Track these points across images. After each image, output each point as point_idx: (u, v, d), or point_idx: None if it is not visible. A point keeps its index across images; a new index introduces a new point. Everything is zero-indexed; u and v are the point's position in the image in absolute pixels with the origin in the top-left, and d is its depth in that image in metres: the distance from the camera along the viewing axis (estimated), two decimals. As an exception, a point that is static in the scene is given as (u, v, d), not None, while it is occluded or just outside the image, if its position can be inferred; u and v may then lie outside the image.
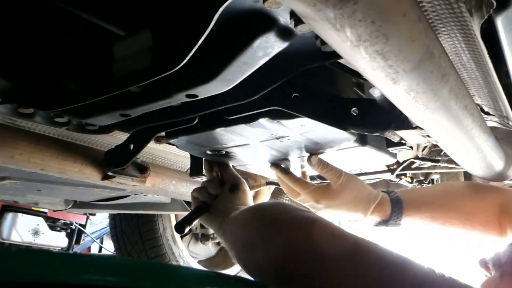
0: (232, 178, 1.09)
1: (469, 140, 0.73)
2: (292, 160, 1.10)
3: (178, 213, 2.51)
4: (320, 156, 1.01)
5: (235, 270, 2.84)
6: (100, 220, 4.87)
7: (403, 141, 0.91)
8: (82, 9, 0.64)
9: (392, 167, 1.68)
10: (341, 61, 0.76)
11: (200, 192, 1.12)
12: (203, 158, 1.16)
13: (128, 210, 2.10)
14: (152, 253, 2.38)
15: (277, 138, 0.92)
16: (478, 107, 0.79)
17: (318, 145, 0.97)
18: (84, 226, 3.75)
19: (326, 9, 0.35)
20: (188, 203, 2.09)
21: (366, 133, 0.92)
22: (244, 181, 1.09)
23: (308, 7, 0.35)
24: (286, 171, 1.10)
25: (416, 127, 0.77)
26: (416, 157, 1.57)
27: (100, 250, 4.67)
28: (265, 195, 1.92)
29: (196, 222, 1.04)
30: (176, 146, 1.04)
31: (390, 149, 1.01)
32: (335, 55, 0.60)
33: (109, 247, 4.25)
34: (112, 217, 2.61)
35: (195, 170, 1.16)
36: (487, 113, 0.87)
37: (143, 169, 1.27)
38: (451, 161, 1.49)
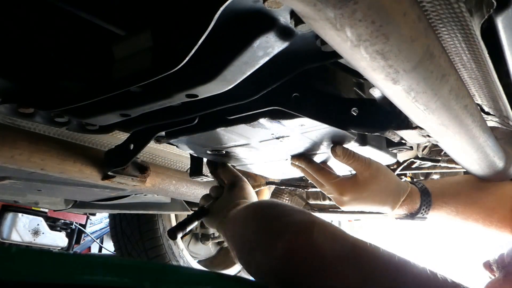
0: (230, 177, 1.08)
1: (469, 140, 0.73)
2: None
3: (178, 213, 2.51)
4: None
5: (235, 270, 2.84)
6: (100, 220, 4.87)
7: (403, 141, 0.91)
8: (82, 9, 0.64)
9: (392, 167, 1.68)
10: (341, 61, 0.76)
11: (204, 197, 1.12)
12: (203, 159, 1.16)
13: (128, 210, 2.10)
14: (152, 253, 2.38)
15: (277, 138, 0.92)
16: (478, 107, 0.79)
17: (317, 145, 0.96)
18: (84, 226, 3.75)
19: (326, 9, 0.35)
20: (188, 203, 2.10)
21: (366, 133, 0.92)
22: (242, 177, 1.08)
23: (308, 7, 0.35)
24: (309, 160, 1.02)
25: (416, 127, 0.76)
26: (416, 157, 1.57)
27: (100, 250, 4.67)
28: (265, 195, 1.92)
29: (193, 226, 1.04)
30: (176, 146, 1.04)
31: (390, 149, 1.01)
32: (335, 55, 0.60)
33: (109, 247, 4.25)
34: (112, 217, 2.61)
35: (195, 170, 1.17)
36: (487, 113, 0.86)
37: (143, 169, 1.27)
38: (451, 161, 1.49)
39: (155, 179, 1.38)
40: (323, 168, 1.00)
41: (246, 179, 1.08)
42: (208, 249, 2.96)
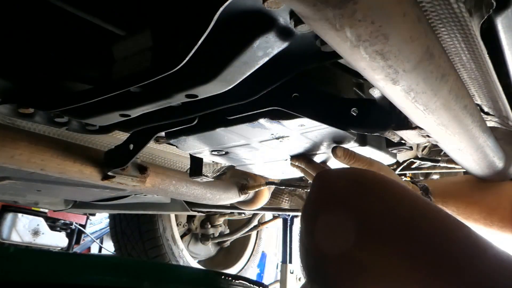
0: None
1: (469, 140, 0.73)
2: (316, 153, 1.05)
3: (178, 213, 2.51)
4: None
5: (235, 270, 2.85)
6: (100, 220, 4.87)
7: (403, 141, 0.91)
8: (82, 9, 0.64)
9: (392, 167, 1.68)
10: (341, 61, 0.76)
11: None
12: (203, 159, 1.16)
13: (128, 210, 2.10)
14: (152, 253, 2.38)
15: (277, 138, 0.92)
16: (478, 107, 0.79)
17: (317, 145, 0.96)
18: (84, 226, 3.76)
19: (326, 9, 0.35)
20: (188, 203, 2.08)
21: (366, 133, 0.92)
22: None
23: (308, 7, 0.35)
24: (309, 160, 1.02)
25: (416, 127, 0.76)
26: (416, 157, 1.57)
27: (100, 250, 4.67)
28: (265, 195, 1.92)
29: None
30: (176, 146, 1.04)
31: (390, 149, 1.00)
32: (335, 55, 0.60)
33: (109, 247, 4.25)
34: (112, 217, 2.61)
35: (195, 170, 1.17)
36: (487, 113, 0.86)
37: (143, 169, 1.27)
38: (451, 161, 1.49)
39: (155, 179, 1.37)
40: (323, 168, 1.00)
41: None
42: (208, 249, 2.96)
